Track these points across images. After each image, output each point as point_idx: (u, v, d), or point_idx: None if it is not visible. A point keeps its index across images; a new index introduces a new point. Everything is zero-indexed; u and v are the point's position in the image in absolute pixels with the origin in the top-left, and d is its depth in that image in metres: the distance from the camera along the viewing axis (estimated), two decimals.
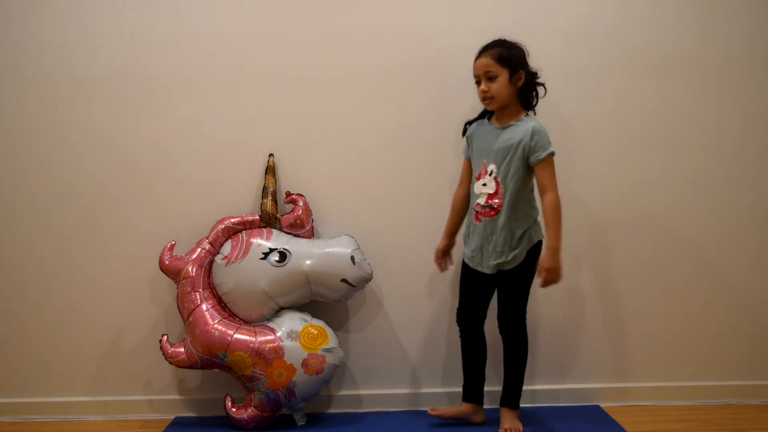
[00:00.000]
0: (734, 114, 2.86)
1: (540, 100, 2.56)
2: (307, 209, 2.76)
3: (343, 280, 2.63)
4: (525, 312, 2.57)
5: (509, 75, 2.47)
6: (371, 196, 2.85)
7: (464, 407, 2.66)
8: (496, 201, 2.50)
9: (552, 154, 2.45)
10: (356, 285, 2.66)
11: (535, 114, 2.56)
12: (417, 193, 2.84)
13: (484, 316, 2.63)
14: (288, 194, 2.79)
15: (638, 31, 2.83)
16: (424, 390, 2.87)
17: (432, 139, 2.83)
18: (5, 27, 2.80)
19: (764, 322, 2.89)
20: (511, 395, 2.56)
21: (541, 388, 2.74)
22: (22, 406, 2.84)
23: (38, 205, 2.83)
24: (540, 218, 2.53)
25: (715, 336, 2.88)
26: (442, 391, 2.85)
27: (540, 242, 2.52)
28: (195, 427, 2.72)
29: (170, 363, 2.65)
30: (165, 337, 2.68)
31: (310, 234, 2.76)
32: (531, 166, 2.46)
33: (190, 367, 2.64)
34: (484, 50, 2.50)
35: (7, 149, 2.82)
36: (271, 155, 2.81)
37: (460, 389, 2.80)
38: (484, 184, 2.53)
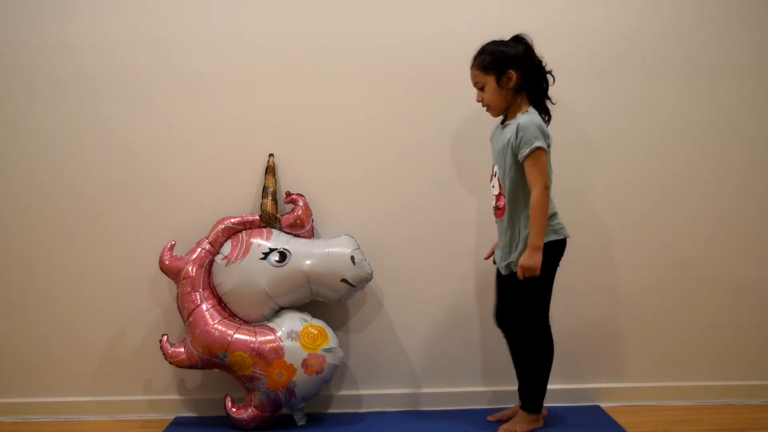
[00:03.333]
0: (727, 114, 2.85)
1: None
2: (307, 209, 2.76)
3: (343, 280, 2.63)
4: (542, 315, 2.51)
5: (496, 80, 2.45)
6: (371, 196, 2.84)
7: (518, 407, 2.63)
8: (501, 201, 2.50)
9: (538, 148, 2.37)
10: (356, 285, 2.66)
11: (553, 103, 2.53)
12: (417, 193, 2.84)
13: (538, 315, 2.58)
14: (288, 194, 2.79)
15: (631, 32, 2.84)
16: (424, 390, 2.87)
17: (433, 139, 2.83)
18: (1, 26, 2.80)
19: (764, 322, 2.89)
20: (526, 397, 2.54)
21: None
22: (22, 406, 2.84)
23: (38, 206, 2.83)
24: (558, 216, 2.48)
25: (716, 336, 2.88)
26: (442, 391, 2.85)
27: (551, 242, 2.43)
28: (195, 427, 2.72)
29: (170, 363, 2.65)
30: (165, 337, 2.68)
31: (310, 234, 2.76)
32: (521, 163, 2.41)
33: (190, 367, 2.64)
34: (473, 61, 2.50)
35: (7, 150, 2.82)
36: (271, 155, 2.81)
37: (462, 389, 2.81)
38: (493, 186, 2.55)
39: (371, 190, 2.85)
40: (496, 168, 2.52)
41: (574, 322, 2.87)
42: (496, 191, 2.53)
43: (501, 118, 2.56)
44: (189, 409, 2.85)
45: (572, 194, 2.83)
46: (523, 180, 2.43)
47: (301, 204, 2.76)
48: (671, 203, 2.86)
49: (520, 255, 2.43)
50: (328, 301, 2.72)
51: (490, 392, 2.85)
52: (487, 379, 2.86)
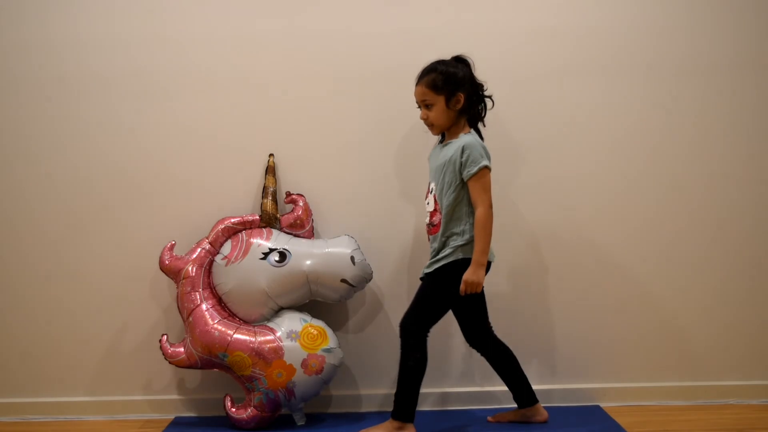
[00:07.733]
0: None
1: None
2: (307, 209, 2.76)
3: (343, 280, 2.63)
4: (423, 329, 2.47)
5: (446, 101, 2.46)
6: (371, 197, 2.85)
7: (520, 411, 2.64)
8: (436, 218, 2.50)
9: (484, 167, 2.40)
10: (356, 285, 2.66)
11: (484, 125, 2.55)
12: (417, 193, 2.83)
13: (483, 327, 2.59)
14: (288, 194, 2.79)
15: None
16: (424, 390, 2.84)
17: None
18: (3, 24, 2.80)
19: (764, 322, 2.88)
20: (395, 403, 2.48)
21: (540, 388, 2.73)
22: (22, 406, 2.85)
23: (38, 205, 2.83)
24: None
25: (716, 336, 2.87)
26: (441, 391, 2.85)
27: (463, 260, 2.43)
28: (195, 427, 2.72)
29: (170, 363, 2.65)
30: (165, 337, 2.69)
31: (310, 234, 2.76)
32: (465, 182, 2.43)
33: (190, 367, 2.64)
34: (420, 77, 2.49)
35: (7, 150, 2.83)
36: (271, 155, 2.81)
37: (458, 389, 2.81)
38: (428, 203, 2.55)
39: (371, 190, 2.85)
40: (432, 185, 2.53)
41: (574, 323, 2.86)
42: (431, 208, 2.53)
43: (439, 137, 2.59)
44: (189, 409, 2.85)
45: (567, 194, 2.83)
46: (462, 198, 2.44)
47: (301, 204, 2.76)
48: (669, 203, 2.86)
49: (431, 264, 2.47)
50: (328, 301, 2.72)
51: (489, 392, 2.84)
52: (487, 379, 2.85)
